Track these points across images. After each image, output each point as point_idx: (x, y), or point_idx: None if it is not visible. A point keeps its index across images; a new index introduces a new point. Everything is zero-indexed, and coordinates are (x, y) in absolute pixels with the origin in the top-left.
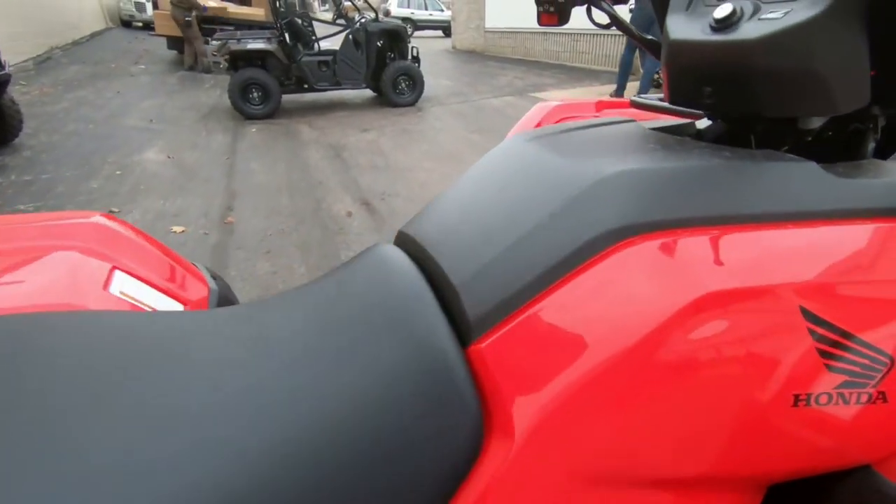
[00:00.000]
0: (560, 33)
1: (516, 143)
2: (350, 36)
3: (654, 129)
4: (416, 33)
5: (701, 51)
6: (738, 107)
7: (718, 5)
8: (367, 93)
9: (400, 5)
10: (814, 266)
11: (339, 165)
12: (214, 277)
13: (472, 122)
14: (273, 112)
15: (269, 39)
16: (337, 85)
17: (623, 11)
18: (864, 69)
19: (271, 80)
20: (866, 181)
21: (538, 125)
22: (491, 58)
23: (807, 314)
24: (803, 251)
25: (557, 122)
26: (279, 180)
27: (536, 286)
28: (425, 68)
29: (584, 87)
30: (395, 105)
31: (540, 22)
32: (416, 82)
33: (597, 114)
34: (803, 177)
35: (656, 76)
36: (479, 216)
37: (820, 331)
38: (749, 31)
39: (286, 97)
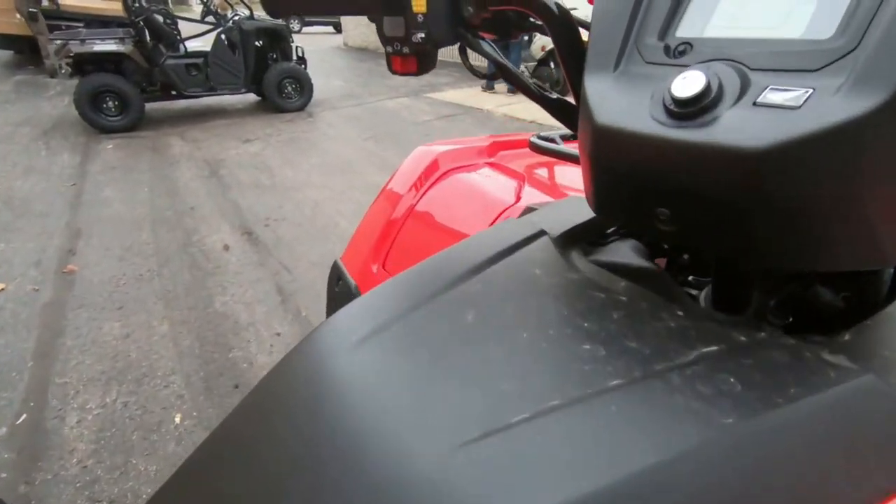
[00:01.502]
0: None
1: (321, 364)
2: (222, 36)
3: (570, 234)
4: (306, 29)
5: (653, 152)
6: (714, 248)
7: (673, 67)
8: (251, 97)
9: None
10: None
11: (216, 186)
12: None
13: (367, 127)
14: (135, 123)
15: (121, 40)
16: (212, 90)
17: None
18: None
19: (130, 87)
20: None
21: (419, 179)
22: (382, 56)
23: None
24: None
25: (442, 176)
26: (140, 210)
27: None
28: (316, 68)
29: (478, 86)
30: (283, 110)
31: (392, 68)
32: (303, 85)
33: (490, 159)
34: (871, 412)
35: (521, 69)
36: None
37: None
38: (743, 129)
39: (153, 105)
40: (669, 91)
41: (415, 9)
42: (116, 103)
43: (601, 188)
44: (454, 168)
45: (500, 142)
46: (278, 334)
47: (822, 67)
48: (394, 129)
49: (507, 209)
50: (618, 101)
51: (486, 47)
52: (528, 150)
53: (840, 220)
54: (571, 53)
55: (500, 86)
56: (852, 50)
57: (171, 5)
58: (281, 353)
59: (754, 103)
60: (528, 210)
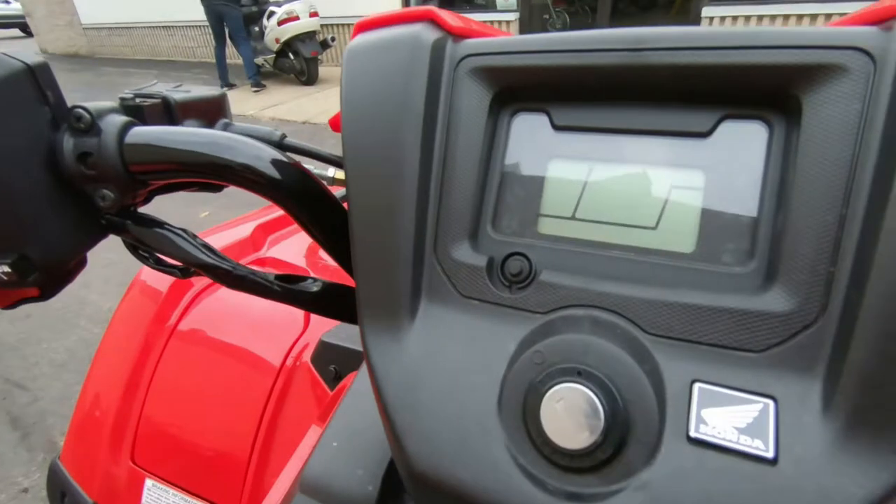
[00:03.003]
0: (188, 26)
1: None
2: None
3: None
4: None
5: None
6: None
7: (512, 312)
8: None
9: None
10: None
11: None
12: None
13: None
14: None
15: None
16: None
17: None
18: None
19: None
20: None
21: (161, 311)
22: (105, 62)
23: None
24: None
25: (196, 299)
26: None
27: None
28: None
29: (246, 84)
30: None
31: None
32: None
33: (258, 255)
34: None
35: (260, 62)
36: None
37: None
38: None
39: None
40: (539, 426)
41: None
42: None
43: None
44: (211, 283)
45: (266, 223)
46: (25, 490)
47: (770, 348)
48: None
49: (295, 343)
50: (440, 411)
51: (169, 237)
52: (290, 230)
53: None
54: (327, 229)
55: (275, 83)
56: (813, 322)
57: None
58: None
59: (689, 437)
60: (324, 348)
